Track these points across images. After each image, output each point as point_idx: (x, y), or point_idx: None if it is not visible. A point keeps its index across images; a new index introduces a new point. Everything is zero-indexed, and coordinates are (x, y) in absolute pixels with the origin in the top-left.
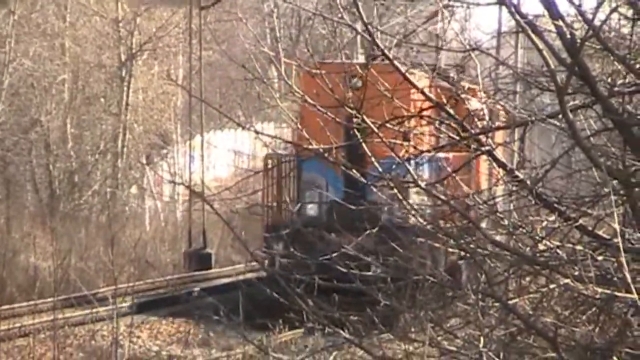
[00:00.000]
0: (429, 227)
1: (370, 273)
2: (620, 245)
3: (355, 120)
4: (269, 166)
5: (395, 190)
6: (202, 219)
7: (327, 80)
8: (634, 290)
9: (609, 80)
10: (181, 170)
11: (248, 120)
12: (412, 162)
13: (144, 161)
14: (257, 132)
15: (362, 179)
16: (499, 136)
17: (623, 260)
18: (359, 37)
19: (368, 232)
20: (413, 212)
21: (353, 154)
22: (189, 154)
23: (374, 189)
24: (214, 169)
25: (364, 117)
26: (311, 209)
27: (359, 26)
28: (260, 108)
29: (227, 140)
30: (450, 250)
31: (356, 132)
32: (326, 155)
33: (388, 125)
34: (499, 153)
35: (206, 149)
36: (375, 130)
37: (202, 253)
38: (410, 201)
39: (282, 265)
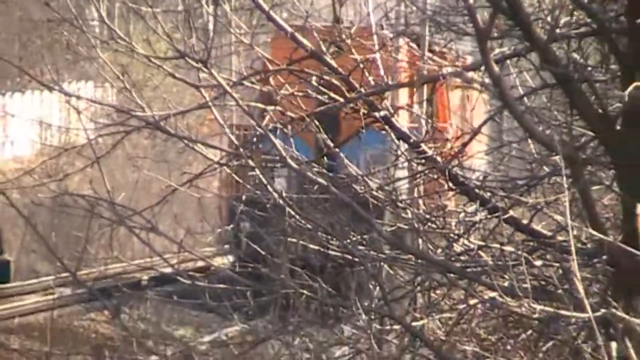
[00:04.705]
0: (305, 220)
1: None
2: (573, 244)
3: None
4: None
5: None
6: None
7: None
8: (587, 306)
9: (549, 19)
10: None
11: (57, 79)
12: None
13: None
14: (67, 94)
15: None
16: (402, 98)
17: (575, 266)
18: None
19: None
20: (277, 195)
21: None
22: None
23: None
24: (12, 145)
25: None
26: (279, 184)
27: None
28: (73, 61)
29: (30, 107)
30: (333, 252)
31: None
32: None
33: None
34: (400, 121)
35: (0, 119)
36: None
37: None
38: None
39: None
